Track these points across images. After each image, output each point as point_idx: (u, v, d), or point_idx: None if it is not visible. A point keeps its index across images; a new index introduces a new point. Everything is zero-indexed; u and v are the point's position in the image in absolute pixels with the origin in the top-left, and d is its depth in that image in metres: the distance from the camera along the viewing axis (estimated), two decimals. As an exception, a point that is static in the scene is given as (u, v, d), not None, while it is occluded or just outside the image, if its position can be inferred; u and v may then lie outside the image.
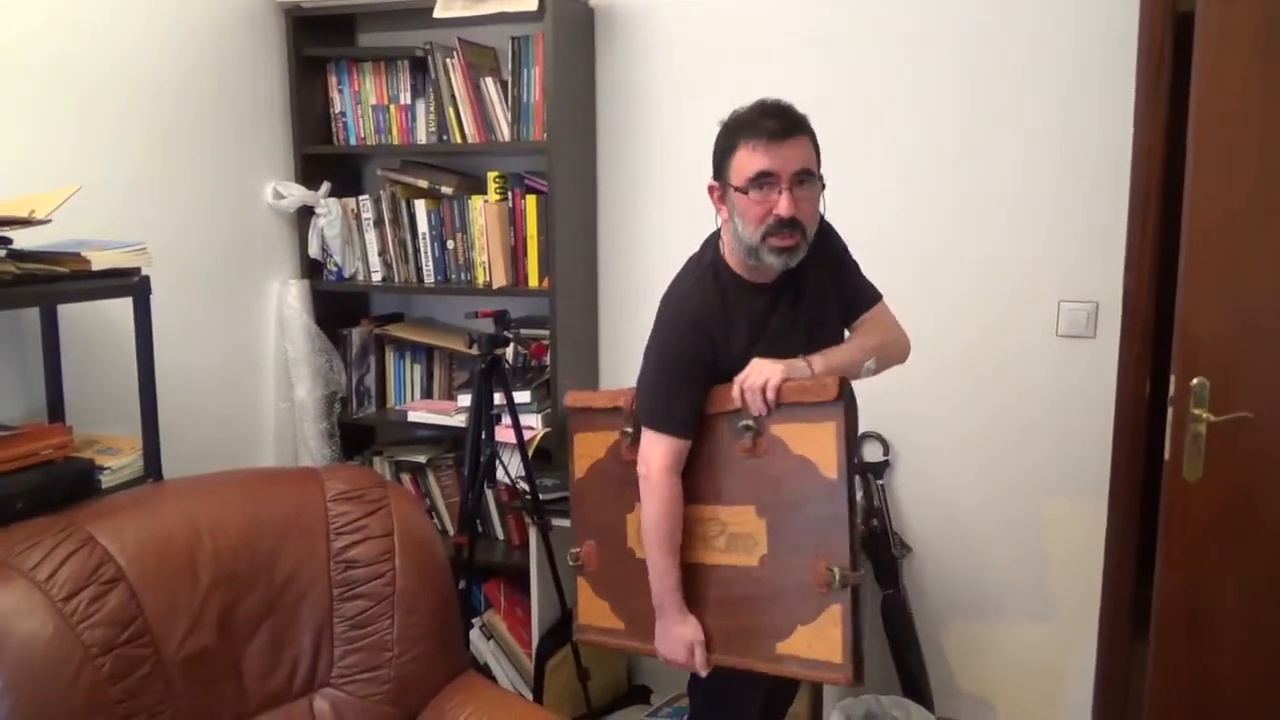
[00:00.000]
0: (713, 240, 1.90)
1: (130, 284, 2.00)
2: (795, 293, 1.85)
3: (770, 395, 1.73)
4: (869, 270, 1.98)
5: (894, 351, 1.96)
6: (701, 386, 1.83)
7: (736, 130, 1.76)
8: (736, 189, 1.74)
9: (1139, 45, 2.35)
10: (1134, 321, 2.45)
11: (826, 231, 1.89)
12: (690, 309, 1.83)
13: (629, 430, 1.93)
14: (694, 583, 1.86)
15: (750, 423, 1.77)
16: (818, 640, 1.71)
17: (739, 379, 1.77)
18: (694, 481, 1.86)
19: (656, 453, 1.83)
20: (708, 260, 1.87)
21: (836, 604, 1.69)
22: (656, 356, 1.86)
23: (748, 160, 1.72)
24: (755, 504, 1.79)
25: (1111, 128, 2.42)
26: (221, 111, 2.64)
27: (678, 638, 1.84)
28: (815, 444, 1.72)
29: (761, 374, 1.74)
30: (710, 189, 1.84)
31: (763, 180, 1.71)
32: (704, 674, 1.85)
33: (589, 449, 2.04)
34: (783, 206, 1.70)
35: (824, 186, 1.79)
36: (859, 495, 2.06)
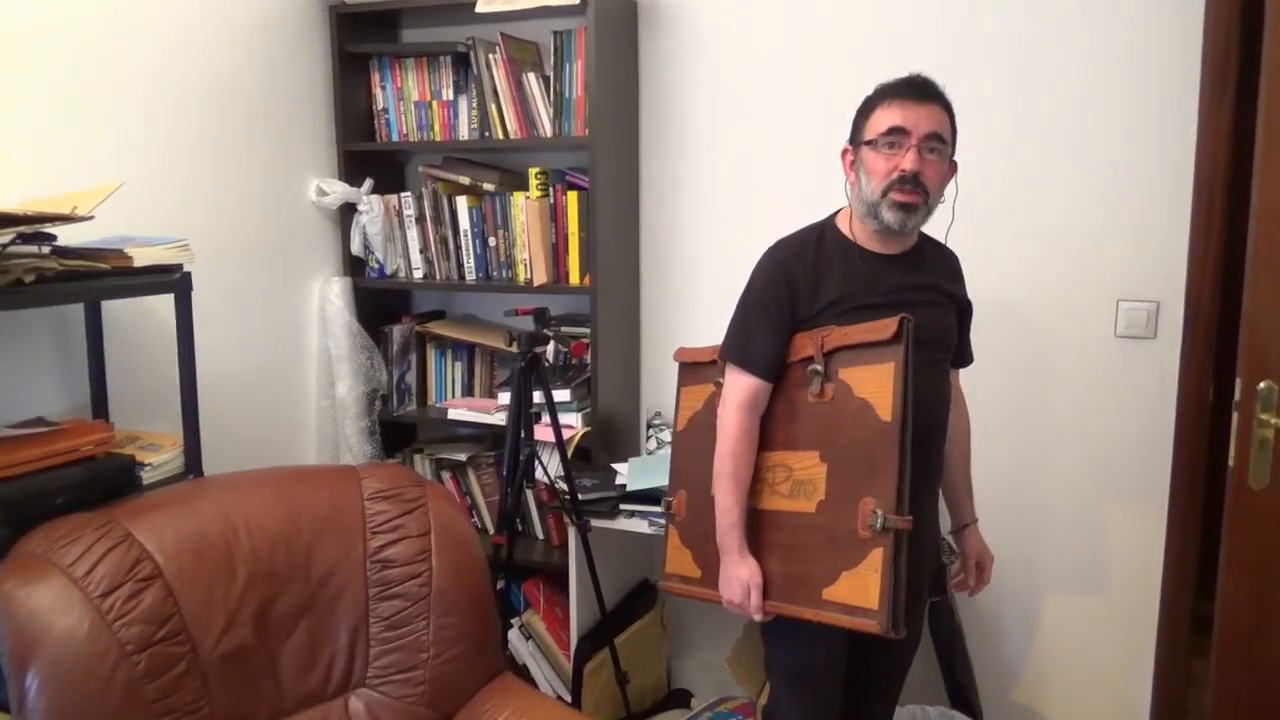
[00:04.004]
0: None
1: (172, 280, 2.00)
2: (913, 271, 1.88)
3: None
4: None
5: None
6: (781, 331, 1.86)
7: (878, 93, 1.84)
8: (867, 143, 1.81)
9: (1204, 32, 2.26)
10: (1197, 321, 2.35)
11: (962, 272, 2.01)
12: (779, 255, 1.89)
13: (720, 380, 1.96)
14: (760, 528, 1.88)
15: (818, 367, 1.80)
16: (858, 585, 1.71)
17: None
18: (769, 428, 1.89)
19: (732, 389, 1.88)
20: (820, 222, 1.94)
21: (878, 548, 1.68)
22: (741, 296, 1.93)
23: (882, 117, 1.79)
24: (819, 449, 1.81)
25: (1174, 117, 2.33)
26: (265, 109, 2.64)
27: (735, 578, 1.85)
28: (875, 386, 1.73)
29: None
30: (844, 153, 1.90)
31: (894, 136, 1.77)
32: (758, 619, 1.86)
33: (691, 401, 2.11)
34: (908, 161, 1.76)
35: (955, 168, 1.87)
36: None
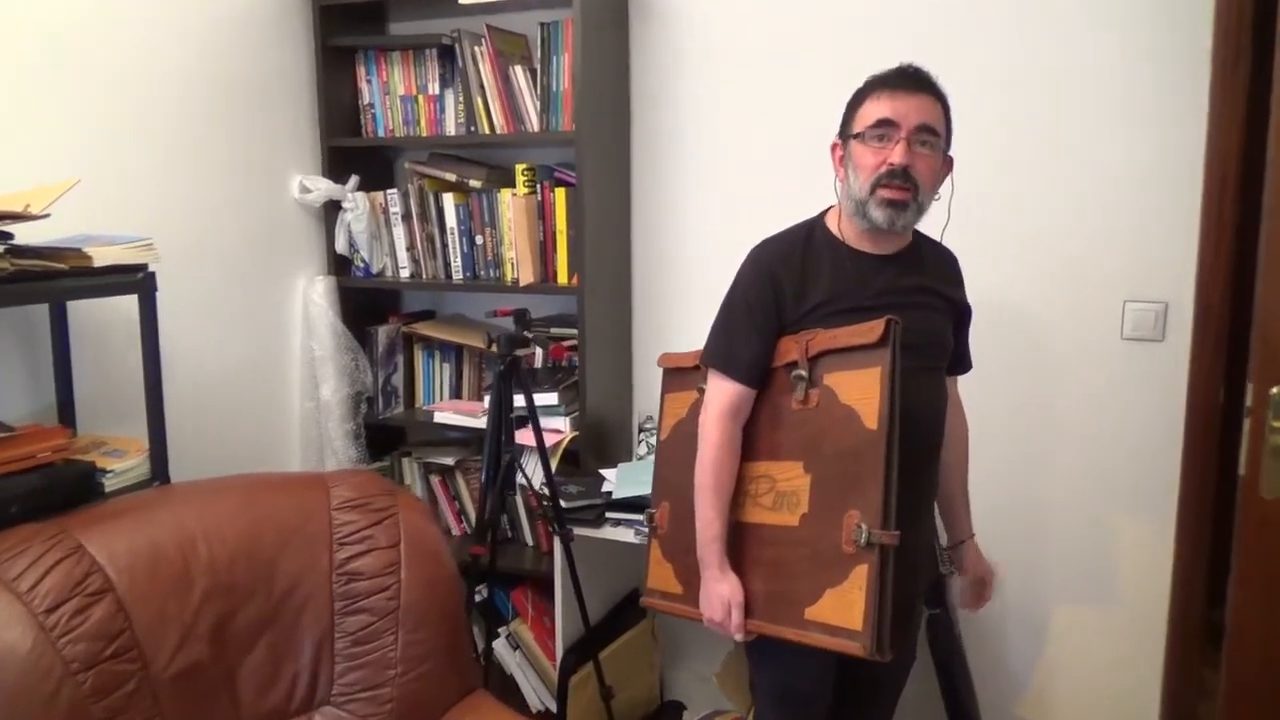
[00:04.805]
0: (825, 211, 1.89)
1: (135, 280, 1.93)
2: (906, 272, 1.79)
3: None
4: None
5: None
6: (765, 334, 1.77)
7: (868, 85, 1.76)
8: (855, 136, 1.73)
9: (1215, 17, 2.17)
10: (1207, 324, 2.26)
11: (960, 274, 1.93)
12: (764, 255, 1.81)
13: (703, 386, 1.88)
14: (742, 542, 1.79)
15: (802, 372, 1.71)
16: (842, 604, 1.61)
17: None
18: (753, 436, 1.80)
19: (714, 395, 1.80)
20: (809, 221, 1.86)
21: (863, 565, 1.59)
22: (725, 299, 1.85)
23: (871, 109, 1.71)
24: (803, 459, 1.72)
25: (1182, 111, 2.23)
26: (247, 103, 2.57)
27: (716, 595, 1.77)
28: (861, 392, 1.65)
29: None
30: (833, 147, 1.82)
31: (882, 128, 1.69)
32: (738, 638, 1.77)
33: (675, 409, 2.03)
34: (897, 154, 1.67)
35: (951, 164, 1.78)
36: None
